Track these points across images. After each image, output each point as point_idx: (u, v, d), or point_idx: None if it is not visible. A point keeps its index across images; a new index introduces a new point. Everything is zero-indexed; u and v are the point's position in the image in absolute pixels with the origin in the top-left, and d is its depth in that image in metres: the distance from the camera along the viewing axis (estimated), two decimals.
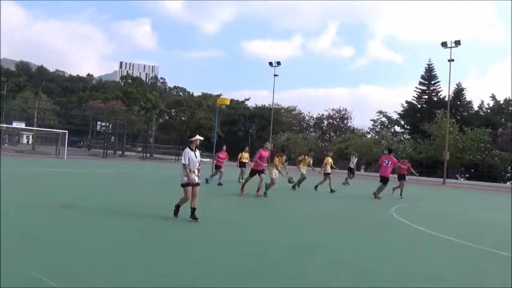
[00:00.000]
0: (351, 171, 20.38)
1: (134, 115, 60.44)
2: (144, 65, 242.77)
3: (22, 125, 45.35)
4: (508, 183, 49.84)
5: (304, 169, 15.78)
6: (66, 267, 3.95)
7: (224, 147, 17.34)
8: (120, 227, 6.22)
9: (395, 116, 71.97)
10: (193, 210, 6.88)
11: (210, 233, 6.09)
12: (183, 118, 60.86)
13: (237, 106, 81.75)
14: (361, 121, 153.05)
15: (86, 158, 38.25)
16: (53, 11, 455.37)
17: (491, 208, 15.47)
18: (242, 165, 18.18)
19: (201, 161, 7.08)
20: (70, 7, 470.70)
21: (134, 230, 5.96)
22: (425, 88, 69.70)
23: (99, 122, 62.03)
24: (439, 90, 68.27)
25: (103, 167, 23.96)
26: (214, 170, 16.78)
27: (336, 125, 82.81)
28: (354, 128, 79.27)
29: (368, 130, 76.27)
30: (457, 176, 59.45)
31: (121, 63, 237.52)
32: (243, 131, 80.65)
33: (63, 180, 14.26)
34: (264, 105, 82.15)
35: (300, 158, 16.50)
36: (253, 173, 12.12)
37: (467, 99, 66.97)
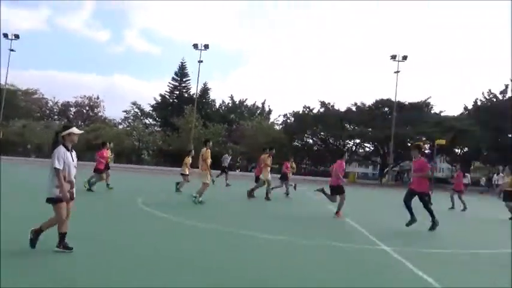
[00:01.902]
0: (223, 170, 19.24)
1: None
2: None
3: None
4: (238, 170, 59.32)
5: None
6: None
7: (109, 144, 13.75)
8: None
9: (148, 109, 73.66)
10: (63, 235, 4.67)
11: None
12: None
13: None
14: (114, 111, 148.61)
15: None
16: None
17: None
18: None
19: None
20: None
21: None
22: (177, 84, 74.46)
23: None
24: (189, 87, 74.27)
25: None
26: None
27: (85, 114, 77.36)
28: (105, 117, 76.21)
29: (120, 121, 74.99)
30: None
31: None
32: None
33: None
34: None
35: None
36: None
37: (211, 97, 75.84)
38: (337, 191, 9.71)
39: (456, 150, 48.12)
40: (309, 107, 51.27)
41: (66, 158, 4.66)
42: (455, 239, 8.00)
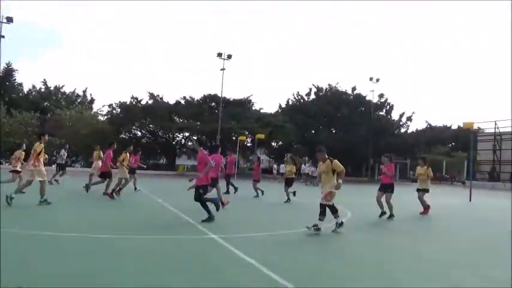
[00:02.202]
0: (60, 167, 17.25)
1: None
2: None
3: None
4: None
5: None
6: None
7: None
8: None
9: None
10: None
11: None
12: None
13: None
14: None
15: None
16: None
17: None
18: None
19: None
20: None
21: None
22: None
23: None
24: None
25: None
26: None
27: None
28: None
29: None
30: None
31: None
32: None
33: None
34: None
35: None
36: None
37: (18, 81, 64.83)
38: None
39: (273, 143, 54.22)
40: (136, 98, 49.45)
41: None
42: (265, 223, 9.14)
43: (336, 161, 7.82)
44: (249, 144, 48.59)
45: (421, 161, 12.45)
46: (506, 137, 42.96)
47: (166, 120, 47.01)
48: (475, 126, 26.79)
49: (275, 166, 40.19)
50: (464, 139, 45.68)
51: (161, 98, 50.35)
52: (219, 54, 40.72)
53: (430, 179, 11.71)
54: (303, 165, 34.08)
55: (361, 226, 8.95)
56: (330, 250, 6.37)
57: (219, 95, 43.73)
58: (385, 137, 47.01)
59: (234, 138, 45.04)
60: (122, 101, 49.54)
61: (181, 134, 52.55)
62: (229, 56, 41.04)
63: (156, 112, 46.77)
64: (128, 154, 13.53)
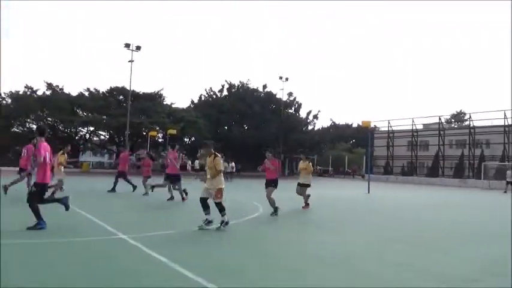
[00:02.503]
0: None
1: None
2: None
3: None
4: None
5: None
6: None
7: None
8: None
9: None
10: None
11: None
12: None
13: None
14: None
15: None
16: None
17: None
18: None
19: None
20: None
21: None
22: None
23: None
24: None
25: None
26: None
27: None
28: None
29: None
30: None
31: None
32: None
33: None
34: None
35: None
36: None
37: None
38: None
39: (185, 139, 53.30)
40: (31, 88, 44.63)
41: None
42: (174, 220, 8.90)
43: (218, 158, 7.41)
44: (160, 140, 47.09)
45: (302, 155, 12.76)
46: (398, 134, 47.98)
47: (67, 113, 43.28)
48: (372, 125, 29.37)
49: (190, 162, 39.72)
50: (363, 136, 49.92)
51: (61, 89, 46.27)
52: (127, 45, 38.63)
53: (311, 174, 11.77)
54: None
55: (272, 220, 9.17)
56: (242, 244, 6.38)
57: (128, 87, 41.52)
58: (294, 134, 49.26)
59: (144, 133, 43.26)
60: (13, 91, 44.32)
61: (86, 129, 48.87)
62: (138, 48, 39.17)
63: (55, 104, 42.76)
64: (66, 154, 12.83)
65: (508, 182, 25.79)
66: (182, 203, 11.88)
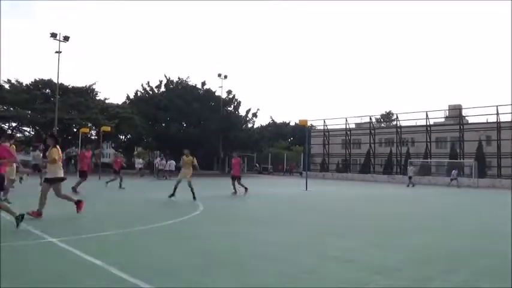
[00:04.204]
0: None
1: None
2: None
3: None
4: None
5: None
6: None
7: None
8: None
9: None
10: None
11: None
12: None
13: None
14: None
15: None
16: None
17: None
18: None
19: None
20: None
21: None
22: None
23: None
24: None
25: None
26: None
27: None
28: None
29: None
30: None
31: None
32: None
33: None
34: None
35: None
36: None
37: None
38: None
39: (121, 136, 51.01)
40: None
41: None
42: (118, 220, 8.48)
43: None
44: (93, 137, 44.57)
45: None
46: (333, 133, 50.06)
47: None
48: (309, 123, 30.27)
49: (140, 160, 38.27)
50: (300, 134, 51.34)
51: None
52: (53, 35, 35.98)
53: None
54: (155, 160, 33.12)
55: (209, 218, 9.08)
56: (179, 243, 6.20)
57: (55, 80, 38.68)
58: (234, 132, 49.30)
59: (75, 130, 40.67)
60: None
61: (7, 124, 44.78)
62: (66, 38, 36.63)
63: None
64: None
65: (409, 177, 28.08)
66: (112, 203, 11.33)
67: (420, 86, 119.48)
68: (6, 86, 42.55)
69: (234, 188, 15.90)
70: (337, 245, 6.22)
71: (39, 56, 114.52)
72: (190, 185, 12.73)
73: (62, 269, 4.45)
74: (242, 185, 15.92)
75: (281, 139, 66.36)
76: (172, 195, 12.81)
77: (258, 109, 57.47)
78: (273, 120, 75.58)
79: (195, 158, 13.67)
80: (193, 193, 12.54)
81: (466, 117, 42.95)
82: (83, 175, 14.68)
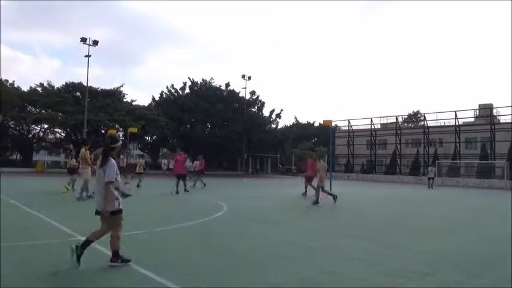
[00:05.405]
0: None
1: None
2: None
3: None
4: None
5: None
6: None
7: None
8: None
9: None
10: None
11: None
12: None
13: None
14: None
15: None
16: None
17: None
18: None
19: None
20: None
21: None
22: None
23: None
24: None
25: None
26: None
27: None
28: None
29: None
30: None
31: None
32: None
33: None
34: None
35: None
36: None
37: None
38: None
39: (147, 138, 52.02)
40: None
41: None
42: (139, 220, 8.68)
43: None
44: (121, 139, 45.65)
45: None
46: (358, 133, 49.37)
47: (18, 110, 40.97)
48: (333, 124, 29.99)
49: (165, 161, 38.59)
50: (324, 135, 50.88)
51: (12, 84, 43.77)
52: (83, 39, 37.13)
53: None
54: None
55: (234, 219, 9.15)
56: (209, 243, 6.30)
57: (84, 83, 39.89)
58: (258, 133, 49.39)
59: (103, 131, 41.80)
60: None
61: (40, 126, 46.49)
62: (96, 42, 37.74)
63: (4, 99, 40.24)
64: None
65: (429, 178, 27.21)
66: (140, 203, 11.60)
67: (449, 85, 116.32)
68: (39, 89, 44.19)
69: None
70: (362, 247, 6.16)
71: (69, 60, 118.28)
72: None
73: (90, 267, 4.59)
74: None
75: (305, 140, 65.94)
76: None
77: (281, 110, 57.35)
78: (297, 120, 75.27)
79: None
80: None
81: (497, 117, 41.49)
82: (181, 177, 15.69)
